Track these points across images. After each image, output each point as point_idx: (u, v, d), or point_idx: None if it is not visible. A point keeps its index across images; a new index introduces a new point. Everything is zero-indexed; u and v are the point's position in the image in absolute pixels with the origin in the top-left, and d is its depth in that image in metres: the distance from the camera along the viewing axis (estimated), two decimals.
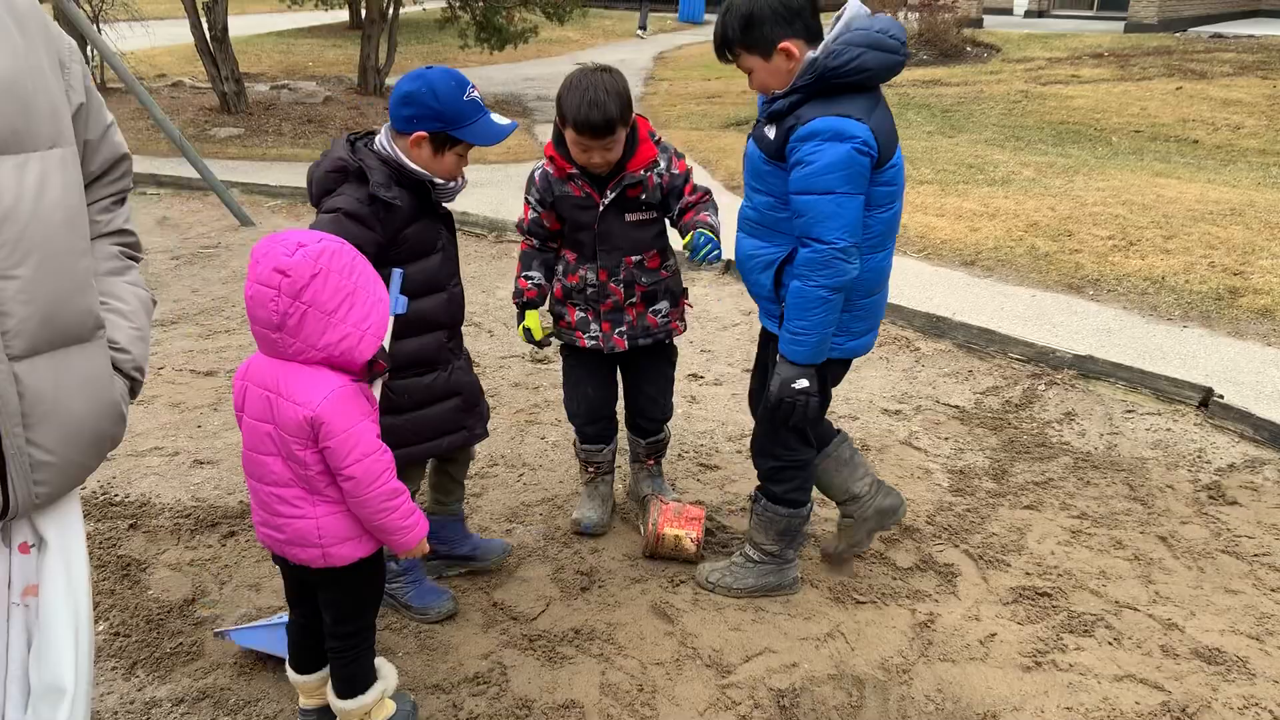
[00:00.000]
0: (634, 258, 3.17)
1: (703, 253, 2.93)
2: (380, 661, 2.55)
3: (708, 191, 3.19)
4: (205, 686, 2.72)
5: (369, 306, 2.12)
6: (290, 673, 2.53)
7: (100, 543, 3.34)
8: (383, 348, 2.22)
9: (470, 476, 3.68)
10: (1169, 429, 4.26)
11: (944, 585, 3.22)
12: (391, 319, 2.74)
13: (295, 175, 8.88)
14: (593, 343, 3.25)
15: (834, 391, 4.71)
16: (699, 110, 13.44)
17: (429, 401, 2.85)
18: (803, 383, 2.71)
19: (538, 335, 3.27)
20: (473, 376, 3.00)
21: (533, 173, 3.16)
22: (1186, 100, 12.62)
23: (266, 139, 10.81)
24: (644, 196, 3.10)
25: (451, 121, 2.59)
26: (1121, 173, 8.92)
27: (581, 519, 3.50)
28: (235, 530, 3.46)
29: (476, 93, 2.64)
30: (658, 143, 3.11)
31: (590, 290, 3.19)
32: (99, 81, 12.54)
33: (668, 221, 3.24)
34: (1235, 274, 6.00)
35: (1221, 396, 4.35)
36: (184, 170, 8.12)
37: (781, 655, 2.91)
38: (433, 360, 2.83)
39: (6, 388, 1.46)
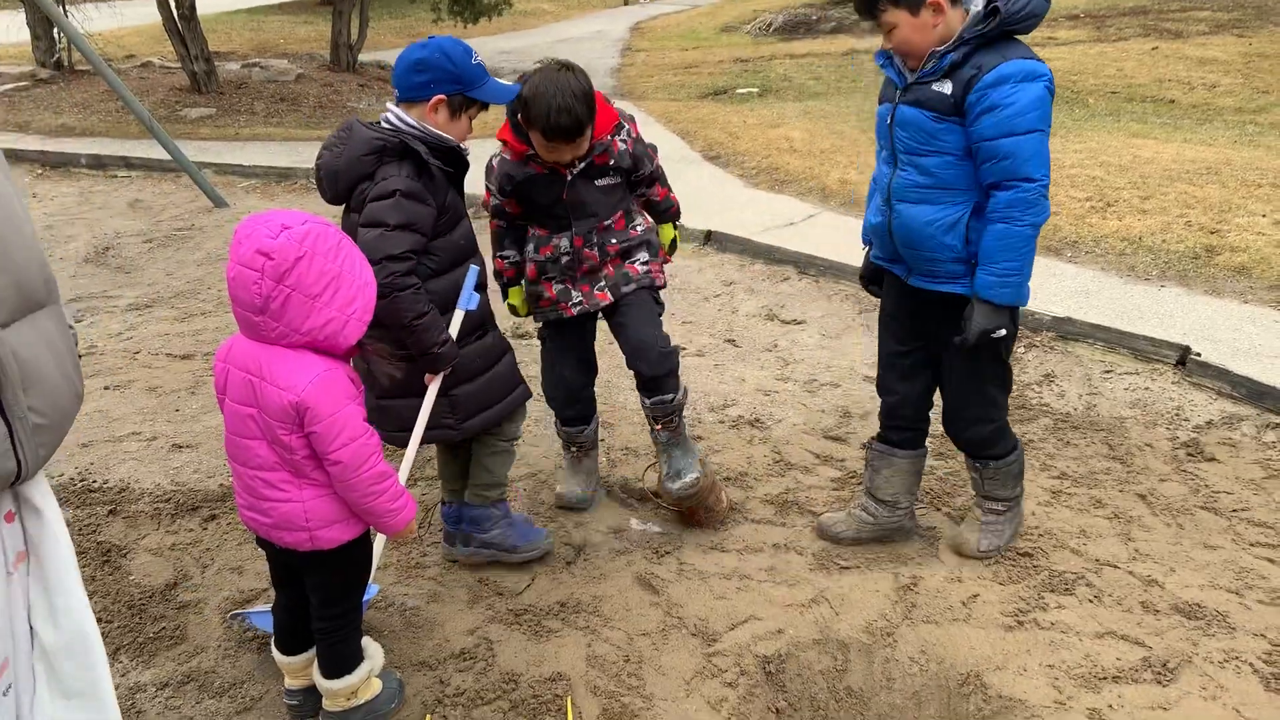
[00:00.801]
0: (605, 222, 3.17)
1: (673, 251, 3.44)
2: (367, 641, 2.55)
3: (655, 149, 3.30)
4: (190, 670, 2.71)
5: (355, 290, 2.08)
6: (276, 654, 2.53)
7: (80, 529, 3.31)
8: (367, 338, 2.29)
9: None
10: (1147, 388, 4.28)
11: (926, 549, 3.24)
12: (462, 314, 2.79)
13: (269, 155, 8.79)
14: (578, 308, 3.22)
15: (817, 359, 4.74)
16: (676, 81, 13.36)
17: (495, 360, 2.96)
18: (1003, 330, 2.76)
19: (523, 311, 3.34)
20: None
21: (490, 160, 3.12)
22: (1163, 60, 12.62)
23: (239, 118, 10.68)
24: (612, 162, 3.11)
25: (468, 83, 2.68)
26: (1098, 134, 8.92)
27: (565, 493, 3.48)
28: (216, 513, 3.44)
29: (480, 58, 2.75)
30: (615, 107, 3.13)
31: (565, 259, 3.16)
32: (66, 64, 12.33)
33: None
34: (1212, 232, 6.02)
35: (1199, 354, 4.37)
36: (155, 152, 8.01)
37: (766, 622, 2.92)
38: (485, 320, 2.94)
39: (7, 357, 1.48)
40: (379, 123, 2.70)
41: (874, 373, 4.52)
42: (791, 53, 15.36)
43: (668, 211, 3.40)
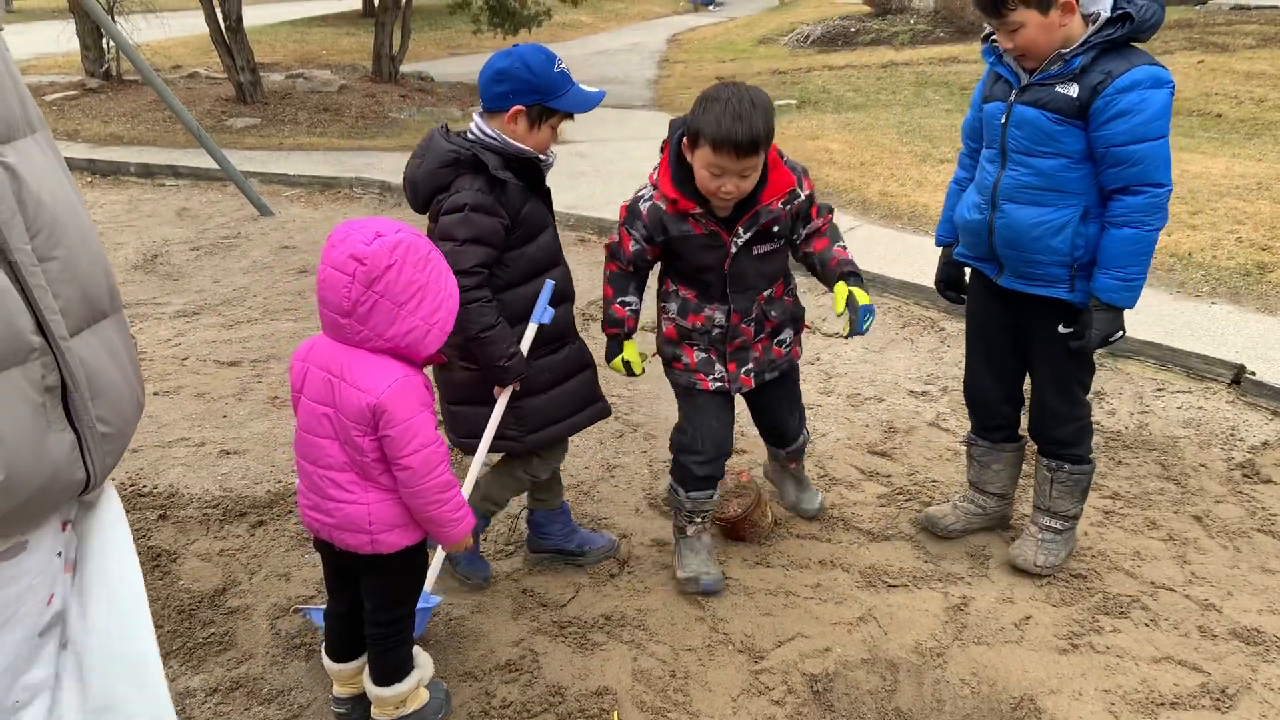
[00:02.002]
0: (765, 293, 2.93)
1: (866, 325, 2.82)
2: (417, 650, 2.54)
3: (829, 210, 2.99)
4: (238, 676, 2.72)
5: (439, 300, 2.13)
6: (326, 660, 2.53)
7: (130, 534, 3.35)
8: (519, 354, 2.61)
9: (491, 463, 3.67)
10: (1200, 407, 4.20)
11: (976, 568, 3.19)
12: (535, 328, 2.80)
13: (313, 164, 8.89)
14: (717, 384, 3.00)
15: (860, 372, 4.70)
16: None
17: (567, 375, 2.93)
18: (1121, 332, 2.83)
19: (638, 369, 3.03)
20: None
21: (636, 203, 2.82)
22: (1209, 74, 12.44)
23: (283, 128, 10.81)
24: (776, 229, 2.83)
25: (547, 93, 2.65)
26: None
27: (699, 576, 3.05)
28: (264, 520, 3.46)
29: (564, 65, 2.71)
30: (787, 164, 2.82)
31: (716, 331, 2.93)
32: (115, 73, 12.56)
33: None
34: (1263, 249, 5.91)
35: (1254, 373, 4.28)
36: (202, 161, 8.13)
37: (814, 640, 2.89)
38: (563, 334, 2.91)
39: (75, 366, 1.48)
40: (464, 133, 2.73)
41: (918, 387, 4.50)
42: (830, 65, 15.31)
43: (827, 265, 2.89)
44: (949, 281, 3.26)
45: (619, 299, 2.95)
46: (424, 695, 2.53)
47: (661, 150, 2.82)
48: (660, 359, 3.10)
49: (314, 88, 12.42)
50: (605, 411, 3.05)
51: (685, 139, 2.66)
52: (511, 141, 2.67)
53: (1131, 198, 2.66)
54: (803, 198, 2.84)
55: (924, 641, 2.85)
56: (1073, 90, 2.66)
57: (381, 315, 2.05)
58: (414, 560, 2.37)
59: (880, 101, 12.18)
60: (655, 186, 2.78)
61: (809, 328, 3.29)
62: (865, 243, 6.49)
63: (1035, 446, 3.15)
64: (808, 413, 4.27)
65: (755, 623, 2.96)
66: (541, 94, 2.64)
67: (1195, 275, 5.65)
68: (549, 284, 2.78)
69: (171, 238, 6.95)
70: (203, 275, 6.18)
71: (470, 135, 2.71)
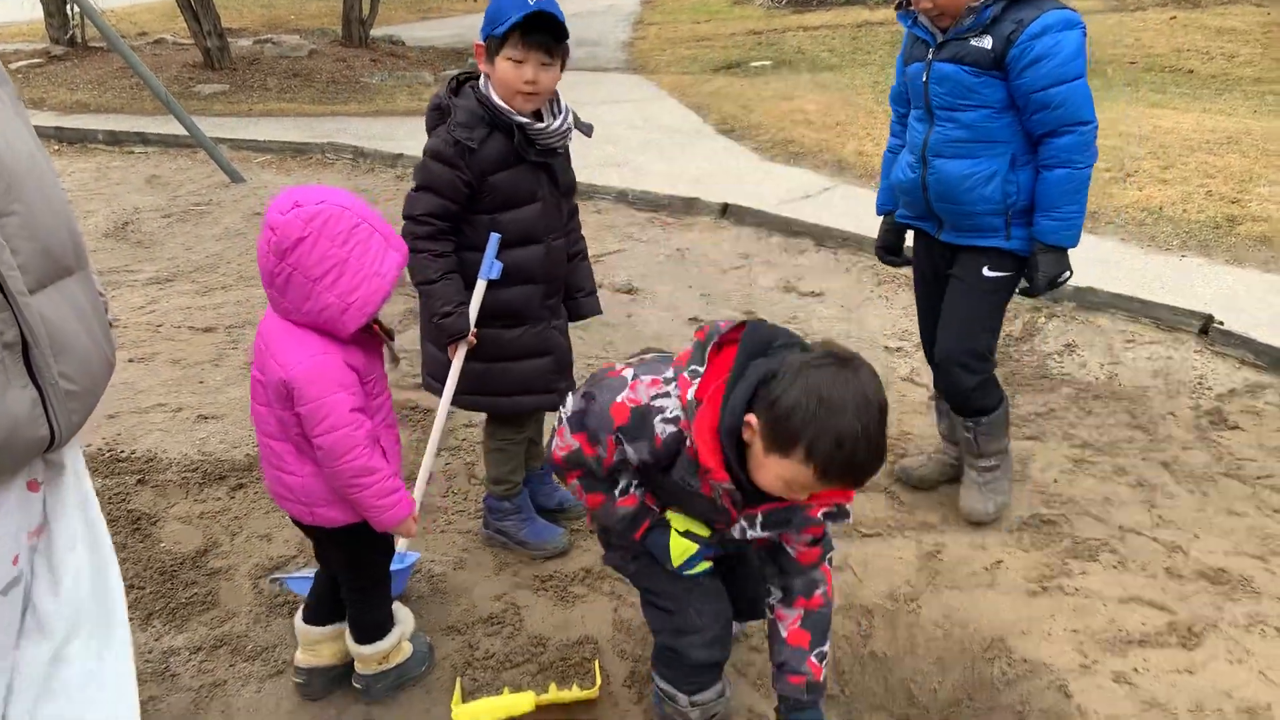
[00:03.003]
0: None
1: None
2: (398, 606, 2.57)
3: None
4: (222, 634, 2.74)
5: (359, 279, 2.00)
6: (297, 621, 2.51)
7: (109, 498, 3.35)
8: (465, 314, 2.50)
9: (474, 424, 3.69)
10: (1169, 357, 4.27)
11: (949, 516, 3.25)
12: (483, 285, 2.73)
13: (283, 130, 8.79)
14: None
15: (836, 330, 4.74)
16: (689, 54, 13.27)
17: (517, 356, 2.81)
18: (1067, 272, 2.88)
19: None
20: (567, 339, 2.95)
21: (649, 417, 1.86)
22: (1181, 30, 12.48)
23: (252, 94, 10.66)
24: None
25: (492, 19, 2.53)
26: (1117, 104, 8.84)
27: None
28: (243, 482, 3.47)
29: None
30: None
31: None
32: (80, 40, 12.33)
33: None
34: (1233, 202, 5.97)
35: (1222, 323, 4.35)
36: (170, 128, 8.03)
37: None
38: (520, 314, 2.78)
39: (35, 322, 1.47)
40: (478, 83, 2.67)
41: (893, 343, 4.54)
42: (805, 25, 15.22)
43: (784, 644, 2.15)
44: (888, 247, 3.31)
45: (624, 514, 2.06)
46: (407, 649, 2.55)
47: (705, 356, 1.83)
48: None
49: (283, 53, 12.24)
50: (552, 405, 2.82)
51: (760, 425, 1.74)
52: (496, 101, 2.57)
53: (1060, 139, 2.71)
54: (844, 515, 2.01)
55: (898, 588, 2.91)
56: (986, 42, 2.70)
57: (296, 289, 1.99)
58: (361, 537, 2.28)
59: (855, 61, 12.15)
60: (686, 419, 1.82)
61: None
62: (842, 202, 6.51)
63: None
64: None
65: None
66: (493, 23, 2.51)
67: (1166, 229, 5.71)
68: (494, 237, 2.65)
69: (142, 205, 6.87)
70: (175, 242, 6.12)
71: (478, 87, 2.64)
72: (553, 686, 2.52)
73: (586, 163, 6.68)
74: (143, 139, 8.60)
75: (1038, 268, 2.84)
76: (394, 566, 2.84)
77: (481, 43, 2.59)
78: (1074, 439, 3.68)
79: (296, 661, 2.53)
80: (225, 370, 4.34)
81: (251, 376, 2.18)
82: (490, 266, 2.68)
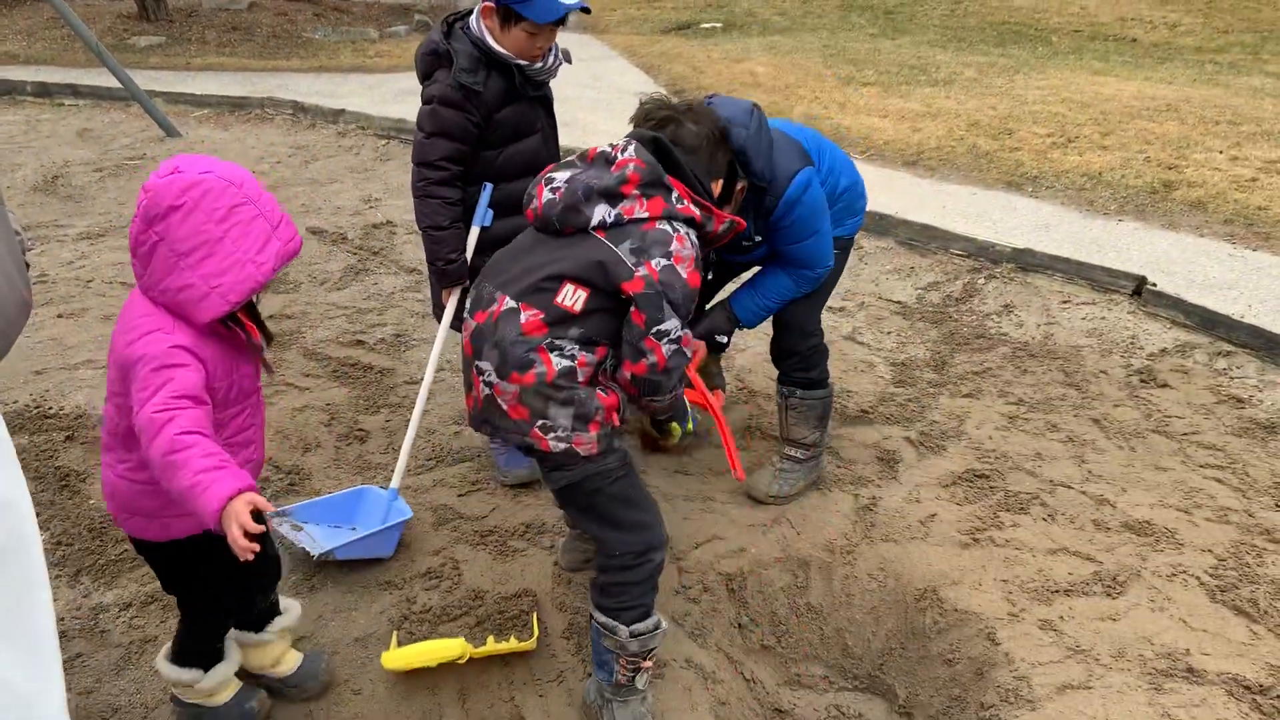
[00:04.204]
0: None
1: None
2: (289, 603, 2.40)
3: None
4: (153, 590, 2.69)
5: (230, 262, 1.80)
6: (233, 633, 2.32)
7: (37, 455, 3.27)
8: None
9: (418, 381, 3.66)
10: (1103, 318, 4.35)
11: (886, 471, 3.29)
12: (477, 230, 2.81)
13: (221, 85, 8.56)
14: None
15: None
16: (639, 14, 13.14)
17: None
18: (725, 337, 2.92)
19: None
20: None
21: (696, 254, 2.07)
22: (1125, 0, 12.63)
23: (190, 48, 10.36)
24: None
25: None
26: (1061, 71, 8.94)
27: None
28: None
29: None
30: None
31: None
32: None
33: None
34: (1170, 168, 6.08)
35: (1154, 285, 4.44)
36: (104, 80, 7.77)
37: (729, 542, 2.96)
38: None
39: None
40: (467, 23, 2.72)
41: (835, 303, 4.58)
42: None
43: None
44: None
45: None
46: (291, 659, 2.39)
47: (666, 182, 2.07)
48: (585, 437, 2.09)
49: (222, 5, 11.90)
50: None
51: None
52: (492, 43, 2.66)
53: (799, 270, 2.81)
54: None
55: (834, 540, 2.95)
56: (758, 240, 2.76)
57: (160, 262, 1.78)
58: (200, 555, 2.04)
59: (805, 25, 12.13)
60: (700, 216, 2.11)
61: None
62: None
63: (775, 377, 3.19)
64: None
65: (673, 527, 3.01)
66: (525, 3, 2.58)
67: (1104, 194, 5.81)
68: (487, 186, 2.79)
69: (72, 159, 6.66)
70: (106, 197, 5.94)
71: (469, 28, 2.71)
72: (490, 639, 2.52)
73: None
74: (74, 91, 8.32)
75: (711, 320, 2.88)
76: (381, 525, 2.82)
77: (493, 4, 2.62)
78: (1009, 396, 3.74)
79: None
80: None
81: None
82: (484, 214, 2.81)
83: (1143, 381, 3.82)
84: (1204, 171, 5.98)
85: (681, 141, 2.16)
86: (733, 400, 3.75)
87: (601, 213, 2.01)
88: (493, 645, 2.48)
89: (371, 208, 5.72)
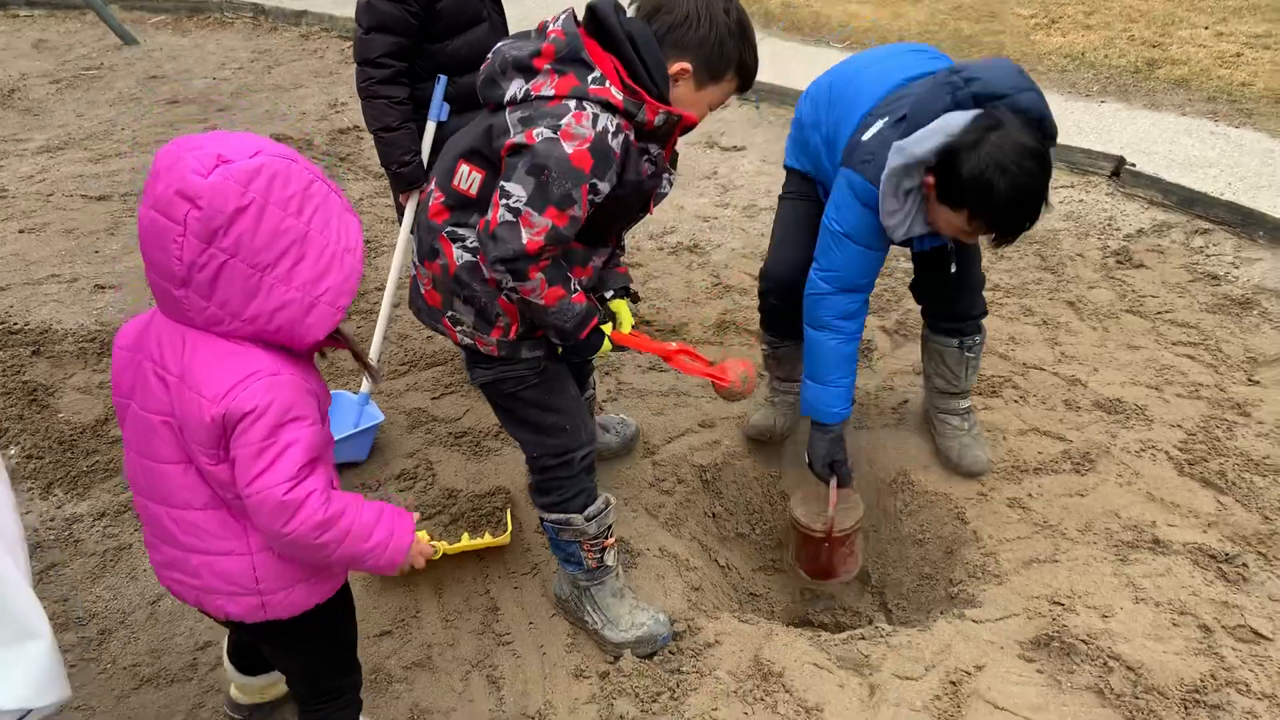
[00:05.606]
0: None
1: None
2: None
3: None
4: (126, 500, 2.70)
5: (328, 260, 1.44)
6: (227, 664, 2.05)
7: (3, 370, 3.23)
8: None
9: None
10: (1081, 200, 4.30)
11: (861, 360, 3.28)
12: (434, 126, 2.71)
13: None
14: None
15: (757, 184, 4.66)
16: None
17: None
18: None
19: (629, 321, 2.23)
20: None
21: (604, 139, 1.77)
22: None
23: None
24: None
25: None
26: None
27: (655, 634, 2.31)
28: None
29: None
30: None
31: (587, 281, 2.08)
32: None
33: None
34: (1154, 46, 5.95)
35: (1133, 165, 4.37)
36: None
37: (703, 434, 2.97)
38: None
39: None
40: None
41: None
42: None
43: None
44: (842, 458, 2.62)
45: (574, 287, 1.93)
46: None
47: (587, 58, 1.80)
48: (479, 341, 2.03)
49: None
50: None
51: (692, 65, 1.87)
52: None
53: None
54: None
55: (809, 430, 2.95)
56: None
57: (235, 285, 1.38)
58: (334, 617, 1.73)
59: None
60: (622, 103, 1.79)
61: None
62: (768, 55, 6.25)
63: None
64: (703, 225, 4.27)
65: (648, 422, 3.01)
66: None
67: (1086, 75, 5.68)
68: (441, 79, 2.69)
69: (29, 71, 6.46)
70: (65, 109, 5.78)
71: None
72: (465, 536, 2.54)
73: None
74: (28, 1, 8.02)
75: (815, 449, 2.58)
76: (352, 429, 2.81)
77: None
78: (986, 282, 3.71)
79: (231, 696, 2.10)
80: (121, 238, 4.16)
81: (139, 424, 1.51)
82: (440, 108, 2.72)
83: (1119, 263, 3.79)
84: (1188, 49, 5.84)
85: (665, 11, 1.84)
86: (708, 296, 3.72)
87: (515, 88, 1.80)
88: (467, 542, 2.50)
89: (338, 112, 5.58)
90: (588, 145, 1.74)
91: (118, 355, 1.54)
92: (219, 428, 1.41)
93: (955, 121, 2.10)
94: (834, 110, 2.47)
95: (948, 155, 2.09)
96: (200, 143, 1.38)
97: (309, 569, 1.60)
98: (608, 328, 2.07)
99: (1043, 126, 2.16)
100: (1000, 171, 2.03)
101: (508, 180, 1.75)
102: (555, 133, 1.73)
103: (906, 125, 2.19)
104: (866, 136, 2.28)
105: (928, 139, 2.11)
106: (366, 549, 1.53)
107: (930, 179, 2.15)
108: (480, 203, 1.86)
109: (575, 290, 1.92)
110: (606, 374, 3.24)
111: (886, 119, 2.26)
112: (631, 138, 1.82)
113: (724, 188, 4.66)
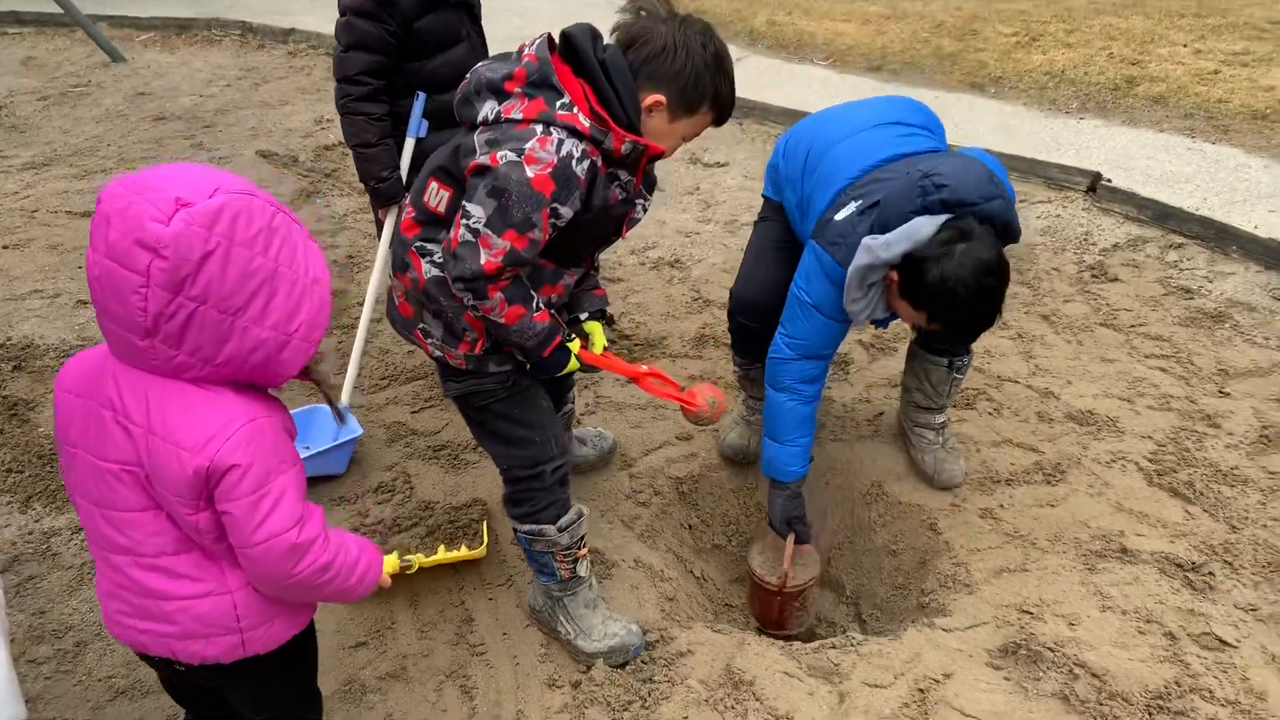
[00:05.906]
0: None
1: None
2: None
3: None
4: None
5: (299, 293, 1.39)
6: None
7: None
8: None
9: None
10: (1058, 215, 4.35)
11: (837, 373, 3.31)
12: (412, 142, 2.75)
13: (165, 6, 8.29)
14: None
15: (739, 200, 4.69)
16: None
17: None
18: None
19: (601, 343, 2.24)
20: None
21: (568, 165, 1.77)
22: None
23: None
24: None
25: None
26: None
27: (627, 644, 2.33)
28: None
29: None
30: None
31: (558, 298, 2.10)
32: None
33: None
34: (1133, 63, 6.01)
35: (1109, 181, 4.43)
36: (45, 6, 7.50)
37: (680, 447, 2.99)
38: None
39: None
40: None
41: None
42: None
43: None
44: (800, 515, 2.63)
45: (537, 306, 1.95)
46: None
47: (556, 84, 1.80)
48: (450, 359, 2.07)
49: None
50: None
51: (667, 98, 1.86)
52: None
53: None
54: None
55: None
56: None
57: (207, 331, 1.32)
58: (303, 650, 1.71)
59: None
60: (589, 129, 1.78)
61: None
62: (752, 73, 6.40)
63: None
64: (685, 240, 4.31)
65: (625, 435, 3.04)
66: None
67: (1066, 92, 5.75)
68: (420, 96, 2.74)
69: (16, 88, 6.48)
70: (51, 126, 5.80)
71: None
72: (441, 548, 2.55)
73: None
74: (17, 18, 8.04)
75: (775, 510, 2.60)
76: (332, 442, 2.82)
77: None
78: None
79: None
80: None
81: (89, 473, 1.43)
82: (418, 125, 2.76)
83: (1094, 277, 3.84)
84: (1166, 66, 5.91)
85: (641, 42, 1.84)
86: (688, 311, 3.75)
87: (487, 109, 1.81)
88: (443, 554, 2.51)
89: (323, 129, 5.61)
90: (550, 170, 1.74)
91: (62, 398, 1.46)
92: (201, 479, 1.36)
93: (923, 229, 2.14)
94: (809, 180, 2.52)
95: (914, 261, 2.14)
96: (152, 184, 1.28)
97: (289, 603, 1.58)
98: (575, 345, 2.08)
99: (1007, 232, 2.22)
100: (963, 286, 2.10)
101: (469, 201, 1.77)
102: (519, 156, 1.74)
103: (877, 216, 2.24)
104: (839, 217, 2.32)
105: (895, 244, 2.15)
106: (351, 585, 1.55)
107: (894, 275, 2.20)
108: (448, 220, 1.88)
109: (538, 309, 1.93)
110: (585, 388, 3.27)
111: (859, 202, 2.30)
112: (600, 164, 1.82)
113: (706, 203, 4.70)
